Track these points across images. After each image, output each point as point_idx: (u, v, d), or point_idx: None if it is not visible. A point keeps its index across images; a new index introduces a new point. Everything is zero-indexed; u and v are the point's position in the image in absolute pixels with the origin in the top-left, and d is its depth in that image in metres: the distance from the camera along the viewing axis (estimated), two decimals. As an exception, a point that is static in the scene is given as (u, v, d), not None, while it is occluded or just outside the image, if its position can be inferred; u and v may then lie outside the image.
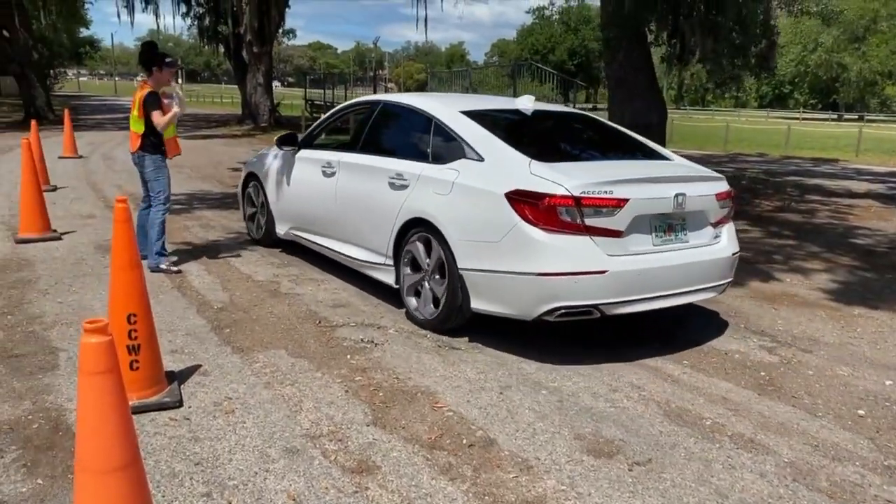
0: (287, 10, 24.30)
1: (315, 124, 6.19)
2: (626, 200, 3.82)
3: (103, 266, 5.50)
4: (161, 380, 3.30)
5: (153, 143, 5.47)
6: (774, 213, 9.71)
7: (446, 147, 4.48)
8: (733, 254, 4.40)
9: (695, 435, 3.15)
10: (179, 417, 3.12)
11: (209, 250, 6.37)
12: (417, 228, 4.43)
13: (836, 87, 58.02)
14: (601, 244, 3.78)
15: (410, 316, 4.57)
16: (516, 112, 5.01)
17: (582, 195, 3.73)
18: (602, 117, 6.16)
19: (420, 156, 4.64)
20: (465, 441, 3.00)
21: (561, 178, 3.78)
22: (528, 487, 2.67)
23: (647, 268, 3.90)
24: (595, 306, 3.79)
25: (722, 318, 4.89)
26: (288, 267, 5.88)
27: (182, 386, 3.42)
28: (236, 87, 28.93)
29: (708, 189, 4.27)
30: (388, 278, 4.76)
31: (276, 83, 40.89)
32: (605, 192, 3.78)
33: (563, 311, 3.77)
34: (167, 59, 5.51)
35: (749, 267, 6.30)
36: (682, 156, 5.01)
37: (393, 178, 4.66)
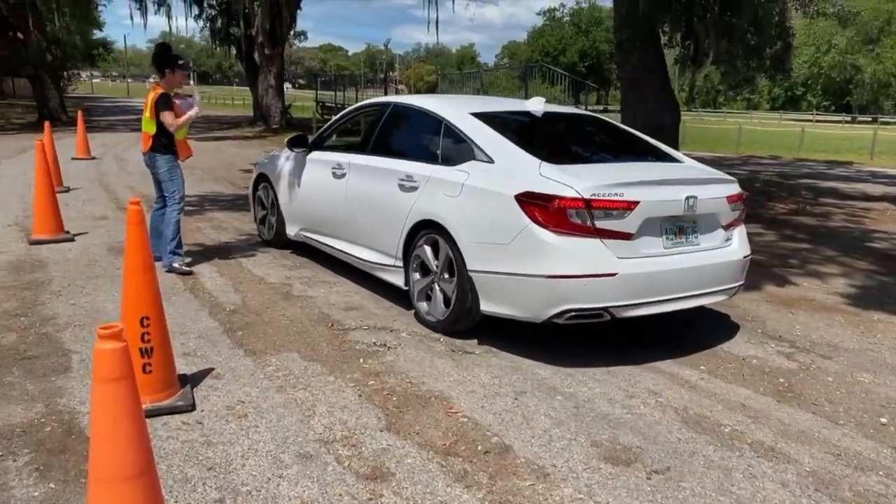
0: (298, 11, 24.37)
1: (325, 126, 6.18)
2: (637, 203, 3.78)
3: (116, 268, 5.50)
4: (174, 383, 3.28)
5: (164, 143, 5.48)
6: (789, 217, 9.61)
7: (456, 149, 4.45)
8: (745, 257, 4.35)
9: (714, 442, 3.09)
10: (192, 421, 3.10)
11: (221, 252, 6.37)
12: (427, 230, 4.41)
13: (850, 89, 57.56)
14: (611, 247, 3.74)
15: (421, 319, 4.54)
16: (526, 114, 4.97)
17: (592, 197, 3.69)
18: (613, 119, 6.11)
19: (430, 157, 4.62)
20: (480, 447, 2.96)
21: (571, 181, 3.75)
22: (545, 496, 2.62)
23: (658, 270, 3.86)
24: (605, 309, 3.75)
25: (732, 322, 4.82)
26: (300, 269, 5.87)
27: (195, 389, 3.40)
28: (248, 88, 29.04)
29: (719, 191, 4.22)
30: (398, 280, 4.74)
31: (287, 85, 40.97)
32: (616, 194, 3.74)
33: (573, 313, 3.74)
34: (180, 62, 5.52)
35: (764, 271, 6.22)
36: (694, 158, 4.96)
37: (403, 179, 4.64)
